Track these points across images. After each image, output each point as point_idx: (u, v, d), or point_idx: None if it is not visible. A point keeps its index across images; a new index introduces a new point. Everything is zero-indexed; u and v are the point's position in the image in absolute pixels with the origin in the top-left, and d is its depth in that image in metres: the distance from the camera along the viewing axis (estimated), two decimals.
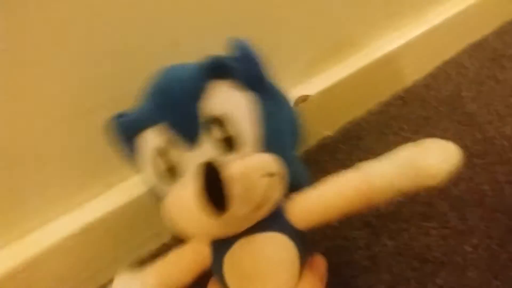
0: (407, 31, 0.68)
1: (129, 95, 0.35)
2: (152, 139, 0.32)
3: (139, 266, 0.37)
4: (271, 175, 0.31)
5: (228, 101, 0.32)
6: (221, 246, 0.34)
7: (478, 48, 0.77)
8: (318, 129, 0.61)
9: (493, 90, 0.67)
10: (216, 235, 0.32)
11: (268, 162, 0.31)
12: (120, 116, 0.35)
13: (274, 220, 0.33)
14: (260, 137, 0.32)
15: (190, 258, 0.36)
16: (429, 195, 0.52)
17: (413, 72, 0.71)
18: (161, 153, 0.32)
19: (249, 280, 0.33)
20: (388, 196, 0.31)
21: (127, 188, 0.46)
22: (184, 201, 0.29)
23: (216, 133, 0.31)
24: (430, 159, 0.31)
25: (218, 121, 0.31)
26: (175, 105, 0.32)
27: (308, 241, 0.35)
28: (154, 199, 0.35)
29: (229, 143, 0.31)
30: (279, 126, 0.34)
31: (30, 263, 0.40)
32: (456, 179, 0.54)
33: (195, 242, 0.36)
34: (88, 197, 0.45)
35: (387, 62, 0.65)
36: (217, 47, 0.33)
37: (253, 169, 0.30)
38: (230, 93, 0.32)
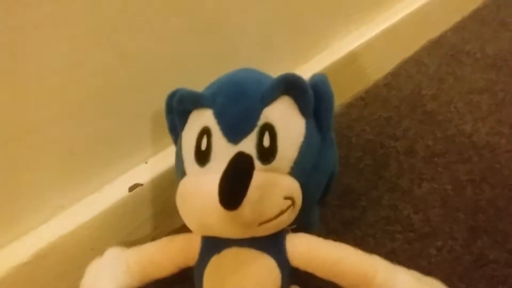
0: (366, 30, 0.67)
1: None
2: (204, 117, 0.34)
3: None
4: (291, 199, 0.31)
5: (283, 114, 0.33)
6: (211, 247, 0.34)
7: (437, 45, 0.78)
8: None
9: (452, 87, 0.68)
10: (214, 230, 0.31)
11: (293, 186, 0.32)
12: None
13: (272, 244, 0.33)
14: (296, 160, 0.32)
15: (179, 248, 0.36)
16: (393, 198, 0.52)
17: (374, 72, 0.71)
18: (206, 133, 0.33)
19: None
20: None
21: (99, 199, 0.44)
22: (202, 184, 0.30)
23: (259, 139, 0.32)
24: None
25: (266, 128, 0.32)
26: (239, 100, 0.34)
27: (293, 274, 0.35)
28: (177, 176, 0.36)
29: (266, 155, 0.32)
30: (318, 162, 0.35)
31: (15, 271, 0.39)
32: (419, 180, 0.54)
33: (189, 235, 0.35)
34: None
35: (348, 62, 0.64)
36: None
37: (278, 187, 0.31)
38: (290, 110, 0.34)
